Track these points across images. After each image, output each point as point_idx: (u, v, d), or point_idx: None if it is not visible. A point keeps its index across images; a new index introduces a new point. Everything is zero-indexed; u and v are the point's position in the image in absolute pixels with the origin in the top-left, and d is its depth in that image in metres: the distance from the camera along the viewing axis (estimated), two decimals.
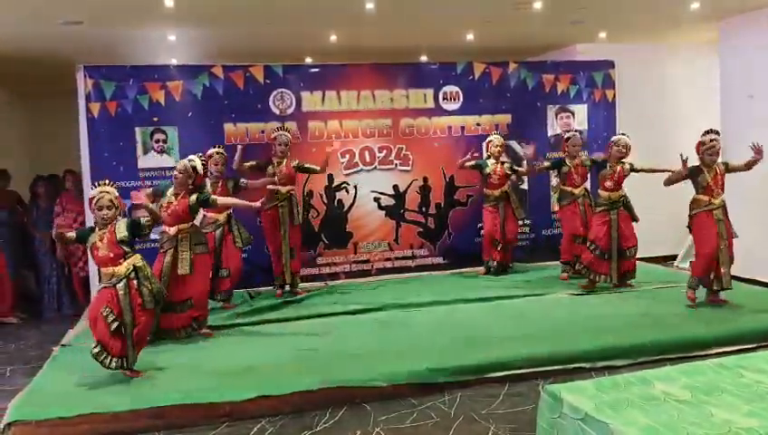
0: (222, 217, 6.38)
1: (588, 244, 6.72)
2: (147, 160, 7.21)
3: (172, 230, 5.43)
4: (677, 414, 2.84)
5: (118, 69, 7.31)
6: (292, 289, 7.02)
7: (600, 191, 6.78)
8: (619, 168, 6.68)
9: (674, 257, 8.68)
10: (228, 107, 7.47)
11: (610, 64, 8.58)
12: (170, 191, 5.48)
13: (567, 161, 7.18)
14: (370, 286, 7.46)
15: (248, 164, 6.75)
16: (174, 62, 8.44)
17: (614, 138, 6.82)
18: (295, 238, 6.93)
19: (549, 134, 8.47)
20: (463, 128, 8.16)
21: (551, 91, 8.42)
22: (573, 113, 8.49)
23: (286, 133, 6.85)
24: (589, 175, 7.30)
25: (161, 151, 7.26)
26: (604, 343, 5.04)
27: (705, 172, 5.91)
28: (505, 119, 8.25)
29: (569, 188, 7.19)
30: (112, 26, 6.79)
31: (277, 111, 7.61)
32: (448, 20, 7.19)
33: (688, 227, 6.11)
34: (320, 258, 7.80)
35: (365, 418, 4.19)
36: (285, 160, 6.80)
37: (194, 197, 5.43)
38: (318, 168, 6.98)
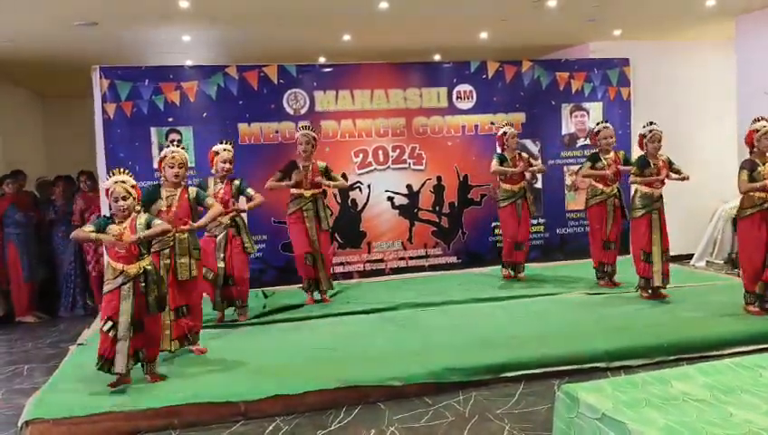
0: (226, 218, 5.83)
1: (640, 255, 6.21)
2: None
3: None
4: (696, 414, 2.81)
5: (133, 70, 7.38)
6: (322, 295, 6.74)
7: (642, 188, 6.20)
8: (660, 162, 6.17)
9: (690, 257, 8.62)
10: (243, 107, 7.50)
11: (625, 62, 8.53)
12: (164, 193, 5.02)
13: (600, 156, 6.74)
14: (384, 286, 7.46)
15: (274, 183, 6.40)
16: (189, 62, 8.49)
17: (646, 130, 6.18)
18: (324, 245, 6.61)
19: (563, 133, 8.43)
20: (477, 127, 8.13)
21: (565, 90, 8.38)
22: (588, 111, 8.45)
23: (308, 132, 6.48)
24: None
25: None
26: (620, 342, 5.00)
27: (760, 165, 5.45)
28: (519, 118, 8.21)
29: (600, 186, 6.73)
30: (128, 27, 6.84)
31: (291, 111, 7.63)
32: (462, 19, 7.17)
33: (735, 230, 5.81)
34: (334, 258, 7.80)
35: (379, 417, 4.19)
36: (312, 164, 6.46)
37: (193, 190, 5.11)
38: (343, 182, 6.93)
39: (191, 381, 4.54)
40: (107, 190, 4.44)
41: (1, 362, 5.88)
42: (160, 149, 7.18)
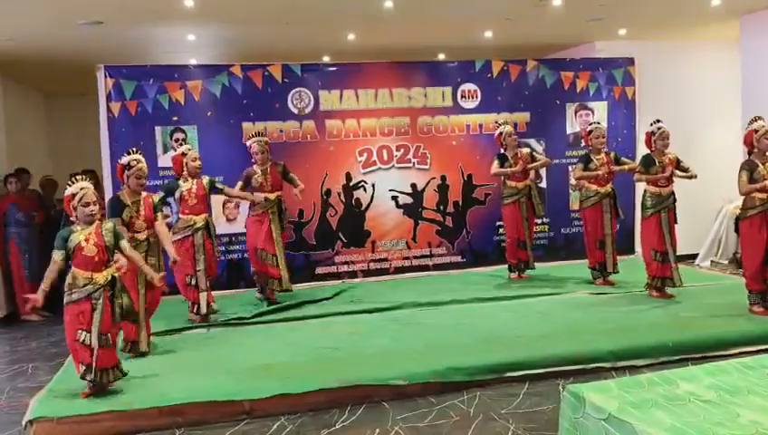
0: (200, 219, 6.04)
1: (652, 255, 6.18)
2: (167, 160, 7.18)
3: (142, 236, 5.16)
4: (703, 415, 2.80)
5: (138, 69, 7.38)
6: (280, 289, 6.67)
7: (650, 188, 6.20)
8: (666, 159, 6.13)
9: (694, 256, 8.59)
10: (247, 106, 7.50)
11: (630, 61, 8.50)
12: (129, 200, 5.16)
13: (592, 156, 6.76)
14: (388, 285, 7.45)
15: (238, 191, 6.46)
16: (193, 61, 8.49)
17: (654, 128, 6.19)
18: (282, 244, 6.60)
19: (568, 132, 8.41)
20: (481, 126, 8.11)
21: (570, 89, 8.36)
22: (593, 111, 8.42)
23: (261, 139, 6.52)
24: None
25: None
26: (624, 342, 4.98)
27: (760, 165, 5.42)
28: (524, 117, 8.20)
29: (594, 187, 6.74)
30: (132, 26, 6.84)
31: (295, 111, 7.62)
32: (467, 18, 7.15)
33: (736, 230, 5.76)
34: (337, 257, 7.81)
35: (384, 416, 4.18)
36: (269, 166, 6.52)
37: (150, 195, 5.31)
38: (299, 184, 6.61)
39: (194, 380, 4.53)
40: (72, 196, 4.33)
41: (5, 360, 5.90)
42: (165, 148, 7.27)
